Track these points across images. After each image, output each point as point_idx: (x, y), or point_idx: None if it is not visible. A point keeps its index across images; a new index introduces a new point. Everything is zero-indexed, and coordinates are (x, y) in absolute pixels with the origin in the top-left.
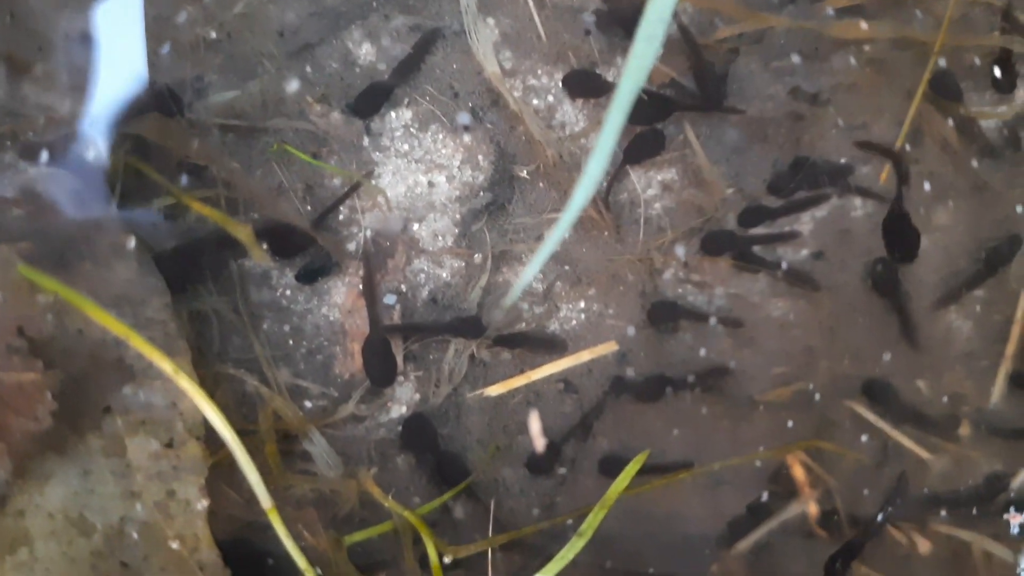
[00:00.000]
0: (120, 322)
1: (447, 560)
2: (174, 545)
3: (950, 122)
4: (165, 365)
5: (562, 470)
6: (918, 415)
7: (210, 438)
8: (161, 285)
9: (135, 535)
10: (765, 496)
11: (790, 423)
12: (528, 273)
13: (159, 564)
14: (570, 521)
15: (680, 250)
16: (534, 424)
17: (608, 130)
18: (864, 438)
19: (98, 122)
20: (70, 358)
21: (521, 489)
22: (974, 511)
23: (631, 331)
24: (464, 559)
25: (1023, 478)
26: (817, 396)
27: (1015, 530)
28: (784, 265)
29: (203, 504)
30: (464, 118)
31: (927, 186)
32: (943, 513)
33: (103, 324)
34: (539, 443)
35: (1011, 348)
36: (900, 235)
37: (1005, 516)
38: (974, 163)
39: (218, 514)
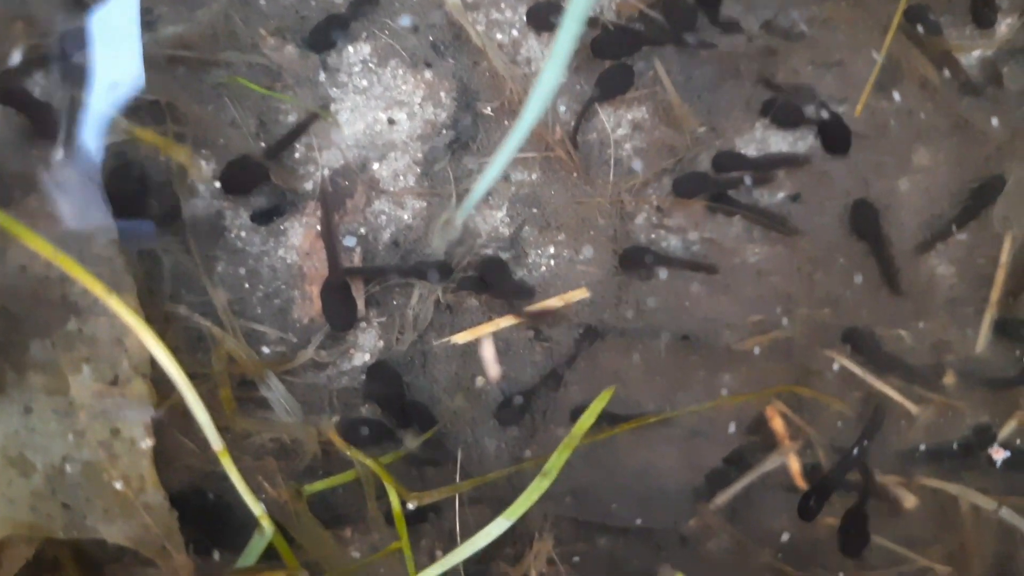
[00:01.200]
0: (65, 255)
1: (411, 506)
2: (118, 486)
3: (929, 59)
4: (110, 300)
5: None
6: (901, 364)
7: (163, 383)
8: (108, 222)
9: (77, 475)
10: (737, 443)
11: (768, 373)
12: (479, 190)
13: (103, 505)
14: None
15: (651, 192)
16: (487, 351)
17: (561, 38)
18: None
19: (45, 58)
20: (12, 295)
21: (490, 440)
22: (961, 464)
23: (602, 277)
24: (432, 514)
25: (1010, 429)
26: (796, 345)
27: (998, 464)
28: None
29: (148, 443)
30: (426, 54)
31: (907, 125)
32: (929, 467)
33: (47, 258)
34: (493, 371)
35: (995, 294)
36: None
37: (988, 450)
38: (955, 101)
39: (174, 464)
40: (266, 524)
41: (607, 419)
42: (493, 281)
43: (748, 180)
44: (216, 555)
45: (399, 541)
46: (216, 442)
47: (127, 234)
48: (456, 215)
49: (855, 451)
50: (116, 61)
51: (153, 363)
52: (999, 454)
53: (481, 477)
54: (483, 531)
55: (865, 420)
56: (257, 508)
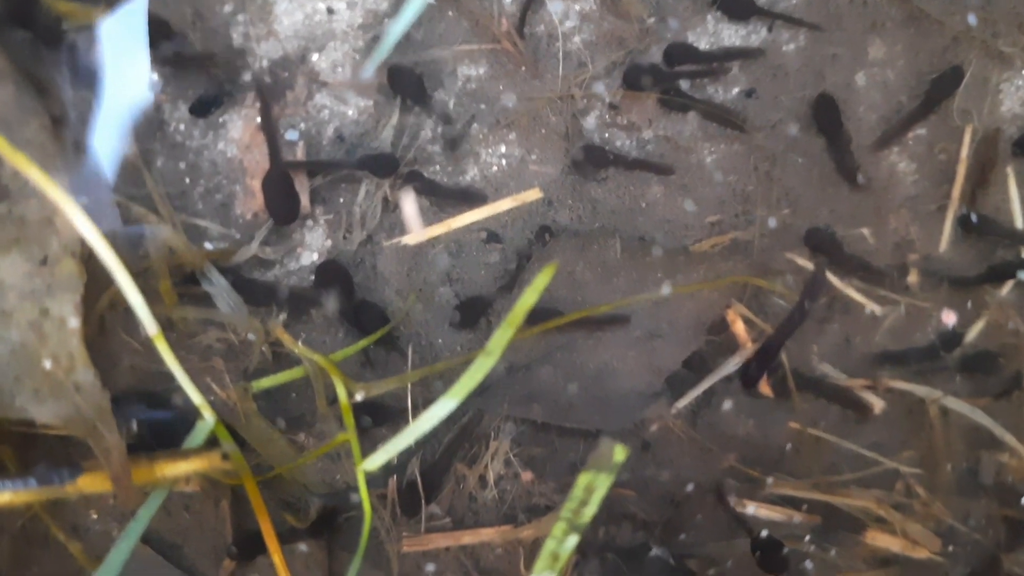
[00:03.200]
0: None
1: (358, 397)
2: (47, 365)
3: None
4: (39, 178)
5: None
6: (864, 265)
7: (98, 273)
8: (40, 107)
9: (6, 356)
10: (697, 346)
11: (727, 274)
12: (391, 36)
13: (32, 385)
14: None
15: (602, 87)
16: (408, 206)
17: None
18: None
19: None
20: None
21: (444, 343)
22: (928, 367)
23: (556, 177)
24: (385, 418)
25: (978, 330)
26: (756, 247)
27: (951, 328)
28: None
29: (76, 322)
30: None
31: (861, 16)
32: (895, 370)
33: None
34: (414, 226)
35: (957, 190)
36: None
37: (940, 315)
38: None
39: (120, 365)
40: (207, 413)
41: (559, 317)
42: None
43: (700, 69)
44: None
45: (347, 433)
46: (150, 326)
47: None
48: (368, 64)
49: (796, 314)
50: None
51: (82, 241)
52: (950, 318)
53: (430, 367)
54: (427, 413)
55: (808, 281)
56: (197, 397)
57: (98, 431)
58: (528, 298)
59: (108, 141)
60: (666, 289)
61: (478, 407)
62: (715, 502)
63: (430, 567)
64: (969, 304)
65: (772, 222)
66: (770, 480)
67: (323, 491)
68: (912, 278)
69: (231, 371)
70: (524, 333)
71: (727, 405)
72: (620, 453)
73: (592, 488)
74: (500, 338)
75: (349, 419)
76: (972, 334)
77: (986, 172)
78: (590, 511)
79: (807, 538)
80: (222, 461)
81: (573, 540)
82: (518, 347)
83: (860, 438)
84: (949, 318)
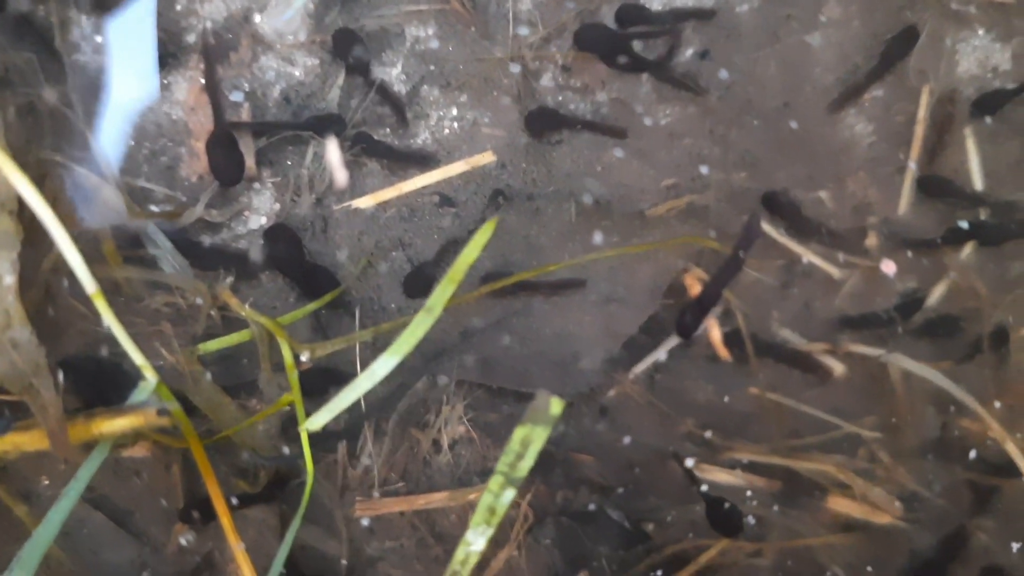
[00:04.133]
0: None
1: (304, 358)
2: None
3: None
4: None
5: None
6: (822, 229)
7: (41, 236)
8: None
9: None
10: (654, 311)
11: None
12: None
13: None
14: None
15: (553, 48)
16: (332, 154)
17: None
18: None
19: None
20: None
21: (398, 309)
22: (890, 331)
23: (509, 140)
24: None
25: (939, 294)
26: (712, 211)
27: (891, 276)
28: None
29: (12, 279)
30: None
31: None
32: (856, 335)
33: None
34: (340, 176)
35: (915, 151)
36: None
37: (880, 266)
38: None
39: (67, 331)
40: (149, 374)
41: (518, 286)
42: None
43: (652, 30)
44: None
45: (291, 394)
46: (89, 284)
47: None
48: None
49: (740, 254)
50: None
51: (19, 198)
52: (890, 268)
53: (376, 327)
54: (368, 369)
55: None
56: (138, 357)
57: (34, 388)
58: (469, 253)
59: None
60: (632, 262)
61: (432, 372)
62: (673, 467)
63: (383, 532)
64: (928, 267)
65: (728, 186)
66: (730, 445)
67: (272, 454)
68: (871, 241)
69: (179, 336)
70: (472, 294)
71: (686, 370)
72: (556, 406)
73: (528, 441)
74: (441, 294)
75: (294, 380)
76: (933, 298)
77: (944, 133)
78: (526, 464)
79: (763, 503)
80: (158, 417)
81: (510, 494)
82: (473, 313)
83: (821, 404)
84: (889, 268)
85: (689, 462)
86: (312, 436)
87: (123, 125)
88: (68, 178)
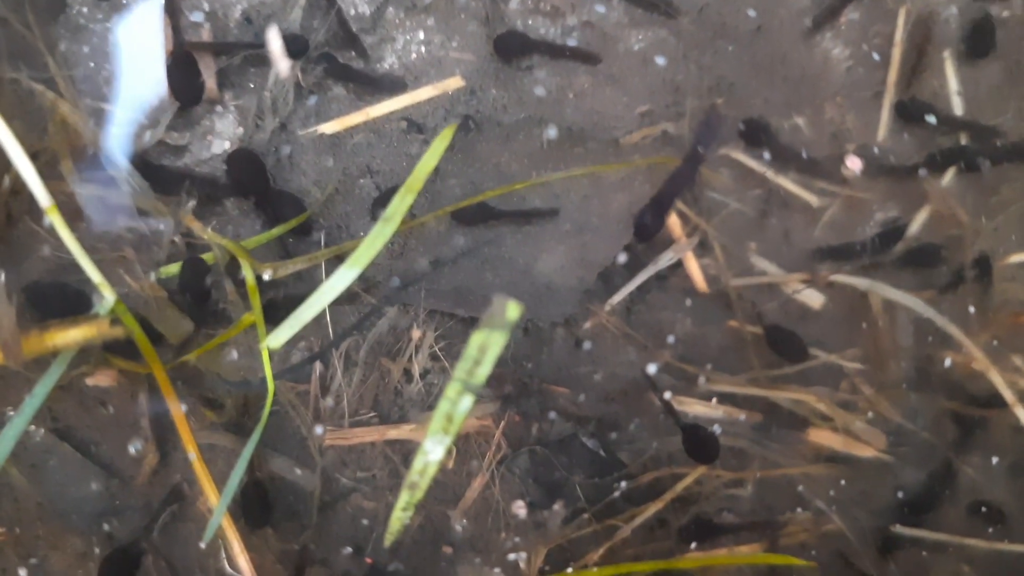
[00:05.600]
0: None
1: (266, 277)
2: None
3: None
4: None
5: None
6: (800, 157)
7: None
8: None
9: None
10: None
11: (658, 167)
12: None
13: None
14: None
15: None
16: (273, 43)
17: None
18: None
19: None
20: None
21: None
22: (871, 261)
23: (479, 65)
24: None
25: (921, 222)
26: (688, 139)
27: (858, 174)
28: None
29: None
30: None
31: None
32: (836, 265)
33: None
34: (283, 66)
35: (893, 75)
36: None
37: (845, 166)
38: None
39: (29, 255)
40: (107, 292)
41: (487, 213)
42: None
43: None
44: None
45: (252, 314)
46: (43, 198)
47: None
48: None
49: (690, 159)
50: None
51: None
52: (855, 164)
53: (338, 247)
54: (327, 282)
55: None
56: (95, 275)
57: None
58: (428, 161)
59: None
60: (606, 190)
61: (403, 301)
62: (650, 398)
63: (355, 463)
64: (908, 195)
65: (704, 113)
66: (708, 377)
67: (236, 379)
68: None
69: (143, 262)
70: (435, 213)
71: (663, 302)
72: (513, 311)
73: (486, 347)
74: (399, 203)
75: (255, 299)
76: (915, 226)
77: (922, 57)
78: (484, 371)
79: (743, 435)
80: (112, 328)
81: (467, 401)
82: (444, 242)
83: (802, 336)
84: (855, 164)
85: (667, 395)
86: (282, 367)
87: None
88: (25, 96)
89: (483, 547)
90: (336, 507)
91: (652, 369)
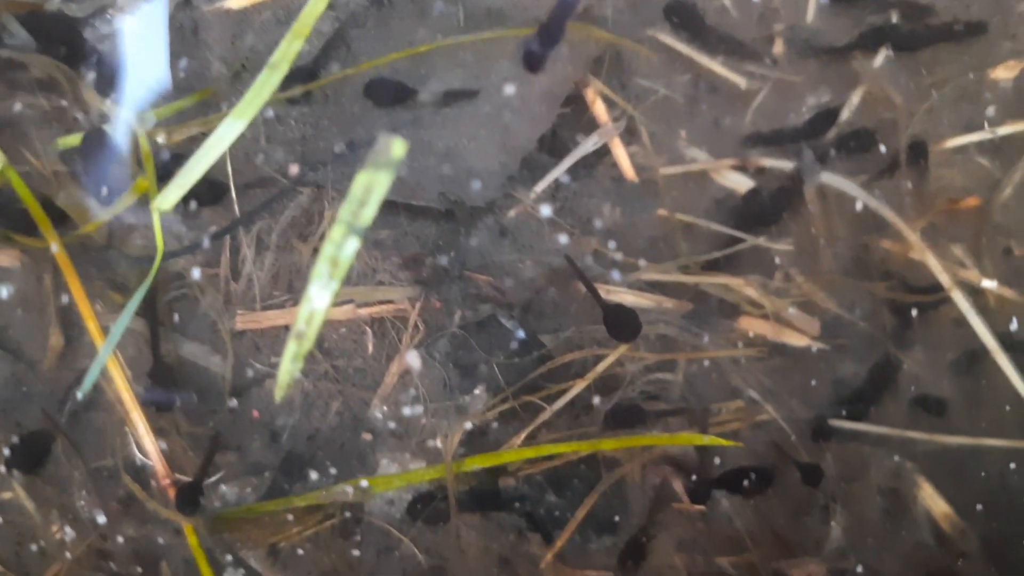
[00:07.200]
0: None
1: (160, 140)
2: None
3: None
4: None
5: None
6: (728, 38)
7: None
8: None
9: None
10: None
11: (582, 49)
12: None
13: None
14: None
15: None
16: None
17: None
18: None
19: None
20: None
21: (279, 117)
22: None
23: None
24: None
25: (853, 106)
26: (613, 21)
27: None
28: None
29: None
30: None
31: None
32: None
33: None
34: None
35: None
36: None
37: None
38: None
39: None
40: None
41: (403, 93)
42: None
43: None
44: None
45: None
46: None
47: None
48: None
49: None
50: None
51: None
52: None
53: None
54: (213, 135)
55: None
56: None
57: None
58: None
59: None
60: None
61: (316, 183)
62: (576, 288)
63: (268, 348)
64: (840, 77)
65: None
66: (636, 266)
67: (140, 255)
68: (778, 49)
69: (44, 140)
70: (338, 74)
71: (590, 190)
72: (399, 148)
73: (371, 188)
74: (286, 49)
75: (149, 163)
76: (847, 111)
77: None
78: (369, 212)
79: (672, 324)
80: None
81: (353, 244)
82: (360, 122)
83: (729, 220)
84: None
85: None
86: (191, 248)
87: None
88: None
89: (403, 433)
90: (250, 393)
91: (579, 255)
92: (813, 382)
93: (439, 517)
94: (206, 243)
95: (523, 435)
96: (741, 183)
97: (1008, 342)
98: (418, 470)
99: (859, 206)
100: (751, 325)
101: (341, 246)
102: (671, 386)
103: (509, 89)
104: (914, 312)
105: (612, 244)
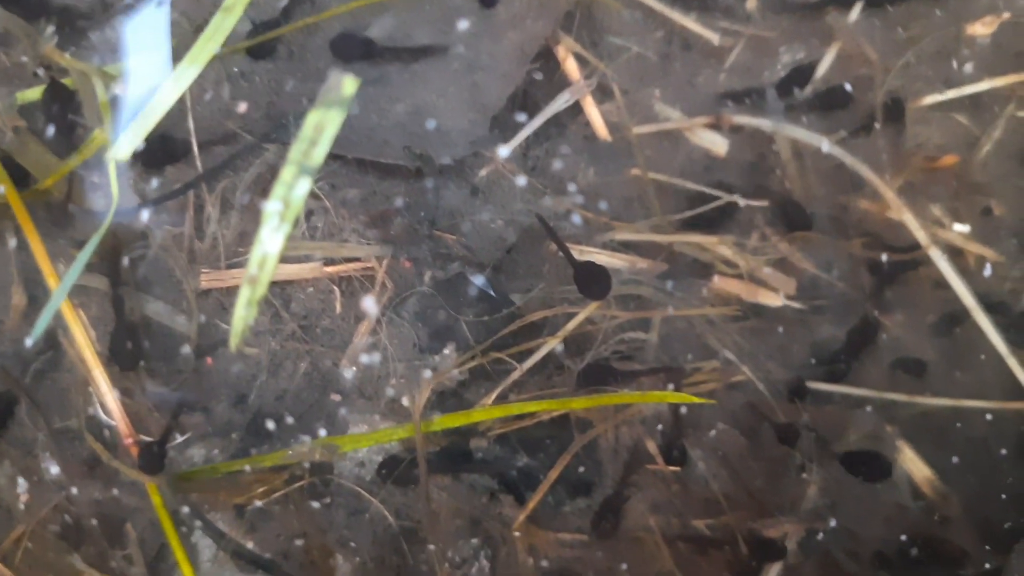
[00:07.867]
0: None
1: (117, 92)
2: None
3: None
4: None
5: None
6: None
7: None
8: None
9: None
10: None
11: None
12: None
13: None
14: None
15: None
16: None
17: None
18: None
19: None
20: None
21: (243, 73)
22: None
23: None
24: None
25: (828, 63)
26: None
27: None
28: None
29: None
30: None
31: None
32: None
33: None
34: None
35: None
36: None
37: None
38: None
39: None
40: None
41: (370, 49)
42: None
43: None
44: None
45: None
46: None
47: None
48: None
49: None
50: None
51: None
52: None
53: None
54: (169, 78)
55: None
56: None
57: None
58: None
59: None
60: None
61: (281, 140)
62: (548, 248)
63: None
64: (814, 33)
65: None
66: (610, 225)
67: (103, 209)
68: (751, 4)
69: (4, 96)
70: (306, 20)
71: (562, 149)
72: (350, 85)
73: (322, 126)
74: None
75: (107, 115)
76: (822, 68)
77: None
78: (320, 151)
79: (646, 284)
80: None
81: (305, 184)
82: (323, 78)
83: (705, 180)
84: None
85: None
86: (151, 203)
87: None
88: None
89: (372, 394)
90: (216, 353)
91: (551, 215)
92: (791, 343)
93: (410, 479)
94: (166, 199)
95: (494, 394)
96: (716, 141)
97: (987, 302)
98: (386, 429)
99: (831, 160)
100: (725, 284)
101: (292, 187)
102: (646, 347)
103: (479, 46)
104: (887, 269)
105: (585, 204)
